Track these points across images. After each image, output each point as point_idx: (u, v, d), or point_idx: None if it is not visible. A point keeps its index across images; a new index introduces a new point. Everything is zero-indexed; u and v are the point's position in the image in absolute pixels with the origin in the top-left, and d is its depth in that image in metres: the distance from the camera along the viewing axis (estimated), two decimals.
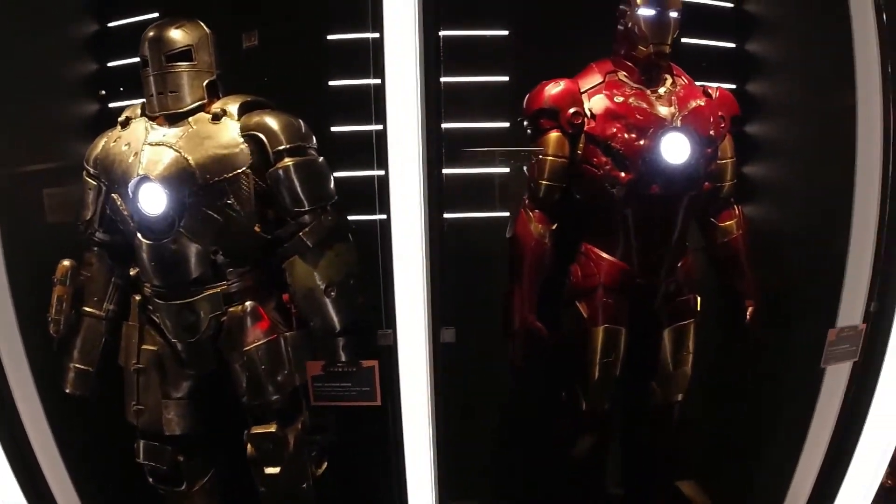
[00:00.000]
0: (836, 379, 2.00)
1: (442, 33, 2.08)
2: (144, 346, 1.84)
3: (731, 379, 2.43)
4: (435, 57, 1.39)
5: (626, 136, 1.81)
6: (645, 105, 1.83)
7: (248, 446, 1.84)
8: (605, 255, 1.94)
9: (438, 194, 1.39)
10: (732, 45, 2.36)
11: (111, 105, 2.18)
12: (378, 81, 1.41)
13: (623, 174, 1.82)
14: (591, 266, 1.95)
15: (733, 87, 2.33)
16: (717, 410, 2.52)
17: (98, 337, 1.87)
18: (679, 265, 1.98)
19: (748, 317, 2.04)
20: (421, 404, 1.48)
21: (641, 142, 1.79)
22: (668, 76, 1.91)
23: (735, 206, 2.08)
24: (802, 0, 2.15)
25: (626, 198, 1.85)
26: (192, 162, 1.68)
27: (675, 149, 1.79)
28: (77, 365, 1.85)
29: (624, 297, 1.94)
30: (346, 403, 1.63)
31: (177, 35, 1.71)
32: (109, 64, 2.20)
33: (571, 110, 1.83)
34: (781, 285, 2.17)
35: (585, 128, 1.84)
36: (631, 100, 1.83)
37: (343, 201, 1.79)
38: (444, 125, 2.08)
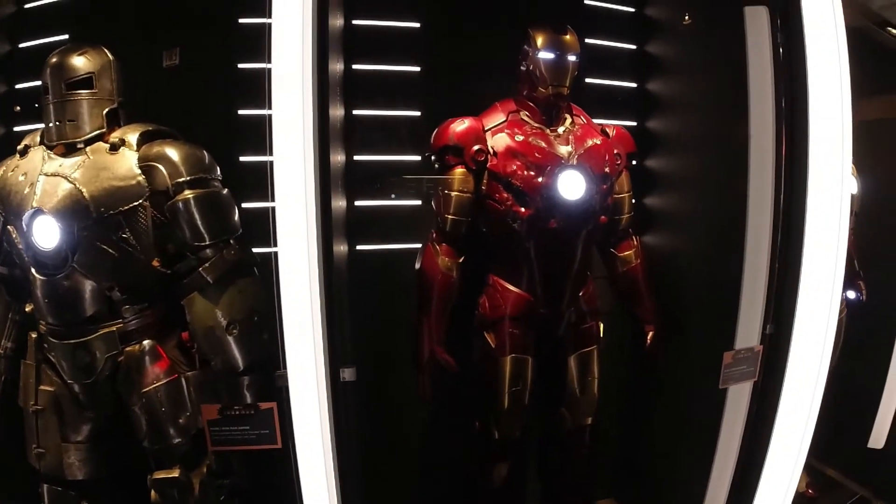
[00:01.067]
0: (738, 398, 2.00)
1: (354, 66, 2.13)
2: (42, 387, 1.69)
3: (642, 400, 2.48)
4: (323, 89, 1.36)
5: (525, 173, 1.82)
6: (544, 144, 1.85)
7: (152, 492, 1.69)
8: (510, 286, 1.93)
9: (328, 227, 1.36)
10: (634, 85, 2.42)
11: (17, 129, 2.06)
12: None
13: (523, 209, 1.83)
14: (498, 297, 1.94)
15: (634, 124, 2.39)
16: (630, 430, 2.55)
17: None
18: (581, 294, 1.99)
19: (648, 341, 2.06)
20: (315, 447, 1.37)
21: (540, 179, 1.81)
22: (567, 116, 1.93)
23: (633, 237, 2.11)
24: (700, 41, 2.21)
25: (527, 232, 1.85)
26: (85, 194, 1.57)
27: (571, 185, 1.82)
28: None
29: (529, 326, 1.93)
30: (246, 447, 1.51)
31: (79, 62, 1.62)
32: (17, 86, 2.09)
33: (475, 147, 1.84)
34: (684, 310, 2.20)
35: (488, 165, 1.84)
36: (531, 139, 1.85)
37: (252, 234, 1.69)
38: (357, 157, 2.08)
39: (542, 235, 1.86)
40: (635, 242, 2.12)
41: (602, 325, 2.08)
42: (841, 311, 2.47)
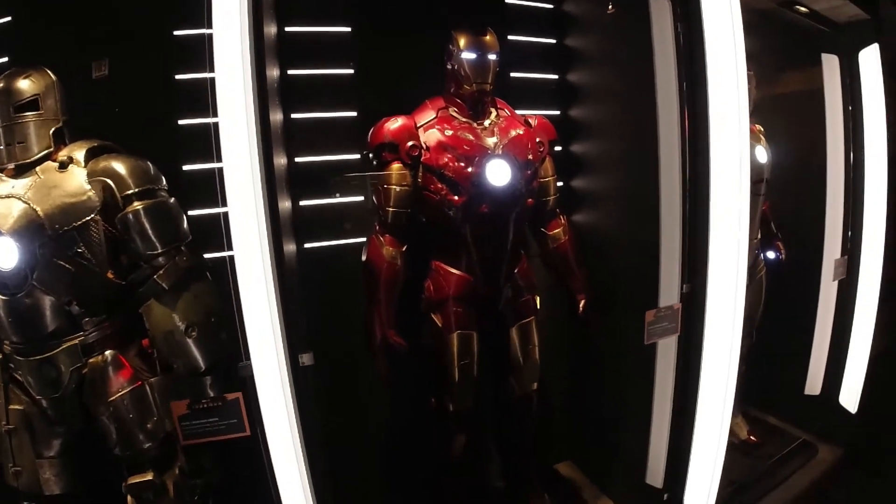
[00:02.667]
0: (666, 352, 2.23)
1: (290, 72, 2.21)
2: (12, 406, 1.72)
3: (584, 365, 2.68)
4: (262, 95, 1.43)
5: (456, 164, 1.96)
6: (471, 136, 1.99)
7: (128, 498, 1.75)
8: (452, 269, 2.08)
9: (277, 226, 1.44)
10: (556, 77, 2.61)
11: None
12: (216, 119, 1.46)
13: (456, 198, 1.97)
14: (441, 280, 2.08)
15: (557, 113, 2.59)
16: (578, 395, 2.75)
17: None
18: (516, 271, 2.16)
19: (580, 309, 2.25)
20: (283, 429, 1.48)
21: (469, 169, 1.95)
22: (493, 109, 2.08)
23: (561, 216, 2.29)
24: (614, 34, 2.38)
25: (462, 218, 2.00)
26: (40, 213, 1.62)
27: (499, 173, 1.97)
28: None
29: (471, 304, 2.08)
30: (216, 438, 1.59)
31: (24, 85, 1.66)
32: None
33: (409, 143, 1.97)
34: (612, 279, 2.40)
35: (422, 159, 1.98)
36: (459, 132, 1.99)
37: (200, 239, 1.77)
38: (297, 159, 2.17)
39: (476, 220, 2.01)
40: (563, 221, 2.30)
41: (539, 298, 2.24)
42: (759, 270, 2.76)
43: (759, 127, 2.77)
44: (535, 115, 2.23)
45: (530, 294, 2.21)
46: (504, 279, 2.13)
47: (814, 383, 3.04)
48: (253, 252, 1.40)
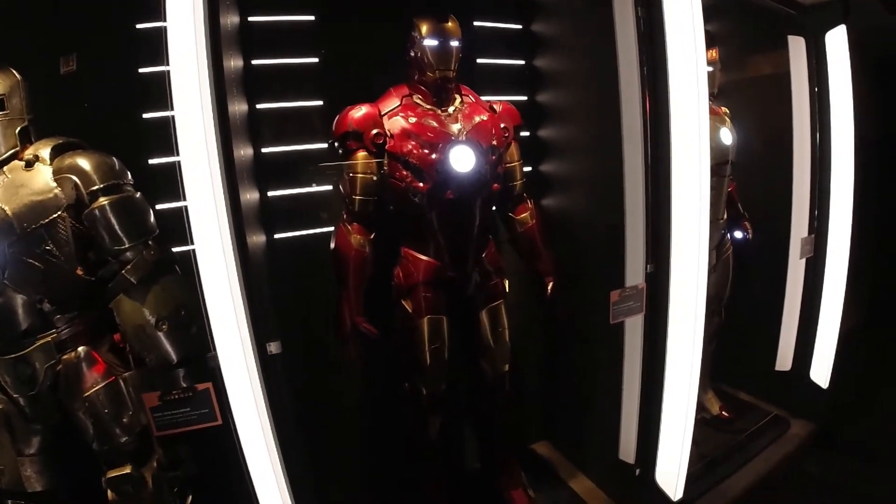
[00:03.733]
0: (634, 331, 2.29)
1: (254, 62, 2.21)
2: None
3: (555, 347, 2.74)
4: (219, 85, 1.45)
5: (420, 151, 1.98)
6: (435, 123, 2.01)
7: (108, 492, 1.79)
8: (420, 255, 2.11)
9: (239, 217, 1.47)
10: (522, 62, 2.64)
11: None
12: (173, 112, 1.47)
13: (421, 184, 1.99)
14: (410, 267, 2.11)
15: (524, 98, 2.63)
16: (551, 376, 2.82)
17: None
18: (484, 255, 2.19)
19: (548, 291, 2.29)
20: (252, 417, 1.54)
21: (433, 156, 1.97)
22: (457, 96, 2.10)
23: (528, 201, 2.33)
24: (580, 18, 2.42)
25: (428, 204, 2.02)
26: (8, 212, 1.64)
27: (463, 159, 2.00)
28: None
29: (440, 289, 2.12)
30: (189, 428, 1.62)
31: None
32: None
33: (373, 131, 1.98)
34: (579, 261, 2.45)
35: (386, 147, 2.00)
36: (423, 119, 2.01)
37: (167, 233, 1.78)
38: (264, 149, 2.19)
39: (442, 206, 2.04)
40: (530, 205, 2.34)
41: (507, 282, 2.28)
42: (726, 250, 2.83)
43: (724, 109, 2.82)
44: (500, 100, 2.25)
45: (499, 277, 2.25)
46: (472, 264, 2.17)
47: (784, 359, 3.11)
48: (213, 244, 1.43)
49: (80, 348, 1.79)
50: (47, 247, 1.70)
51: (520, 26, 2.63)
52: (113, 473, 1.79)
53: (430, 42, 1.98)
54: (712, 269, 2.80)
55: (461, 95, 2.13)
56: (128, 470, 1.79)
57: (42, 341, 1.75)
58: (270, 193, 2.23)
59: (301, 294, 2.17)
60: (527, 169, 2.66)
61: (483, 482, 2.46)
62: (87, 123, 1.92)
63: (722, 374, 3.18)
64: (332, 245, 2.07)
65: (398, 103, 2.05)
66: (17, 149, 1.73)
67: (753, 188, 3.05)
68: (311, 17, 2.25)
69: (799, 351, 3.07)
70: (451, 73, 2.01)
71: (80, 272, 1.77)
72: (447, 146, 1.99)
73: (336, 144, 2.05)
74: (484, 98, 2.30)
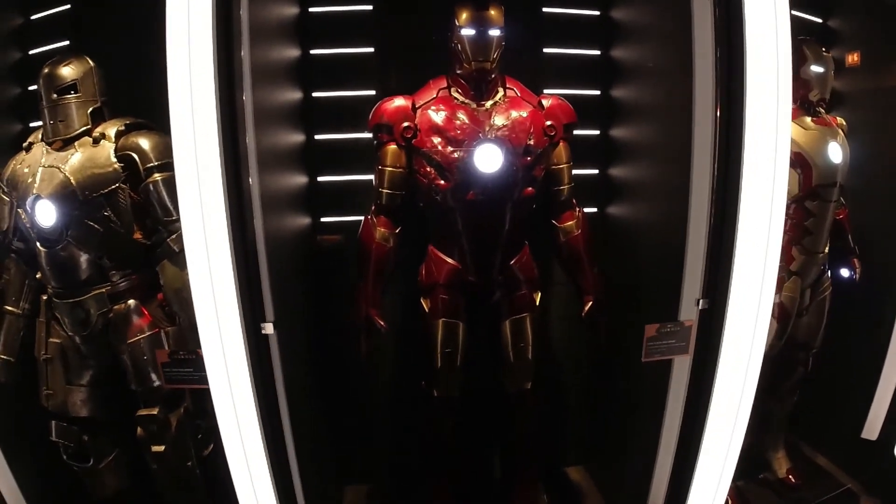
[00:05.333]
0: (681, 371, 2.00)
1: (312, 52, 2.27)
2: (51, 339, 2.07)
3: (599, 370, 2.49)
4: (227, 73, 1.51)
5: (445, 148, 1.90)
6: (466, 119, 1.91)
7: (138, 427, 2.04)
8: (443, 255, 2.05)
9: (239, 202, 1.54)
10: (598, 52, 2.39)
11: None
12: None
13: (443, 182, 1.91)
14: (433, 266, 2.06)
15: (597, 93, 2.39)
16: (592, 400, 2.58)
17: (17, 331, 2.10)
18: (513, 263, 2.06)
19: (584, 310, 2.10)
20: (247, 394, 1.64)
21: (457, 153, 1.89)
22: (500, 89, 1.98)
23: (576, 208, 2.13)
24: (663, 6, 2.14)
25: (451, 204, 1.94)
26: (73, 181, 1.90)
27: (489, 159, 1.88)
28: (1, 356, 2.09)
29: (460, 293, 2.04)
30: (192, 386, 1.75)
31: (65, 71, 1.93)
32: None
33: (404, 125, 1.93)
34: (631, 283, 2.20)
35: (413, 141, 1.94)
36: (453, 114, 1.92)
37: None
38: (317, 136, 2.28)
39: (466, 207, 1.95)
40: (578, 213, 2.14)
41: (539, 294, 2.12)
42: (824, 289, 2.36)
43: (840, 120, 2.31)
44: (554, 94, 2.07)
45: (528, 289, 2.11)
46: (498, 270, 2.05)
47: (872, 426, 2.57)
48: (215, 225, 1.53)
49: (131, 301, 2.05)
50: (106, 213, 1.96)
51: (597, 12, 2.37)
52: (143, 412, 2.04)
53: (467, 31, 1.87)
54: (803, 311, 2.39)
55: (505, 88, 1.99)
56: (155, 411, 2.03)
57: (97, 291, 2.02)
58: (321, 179, 2.31)
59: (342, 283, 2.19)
60: (592, 172, 2.45)
61: (502, 496, 2.37)
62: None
63: (804, 432, 2.73)
64: (358, 235, 2.08)
65: (434, 96, 1.98)
66: (89, 126, 1.99)
67: (870, 219, 2.47)
68: (369, 7, 2.25)
69: (891, 419, 2.52)
70: (488, 65, 1.89)
71: (138, 236, 2.03)
72: (473, 144, 1.89)
73: (371, 136, 2.04)
74: (550, 91, 2.13)
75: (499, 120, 1.93)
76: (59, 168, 1.94)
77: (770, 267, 1.80)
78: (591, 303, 2.11)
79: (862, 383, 2.57)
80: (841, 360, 2.57)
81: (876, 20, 2.43)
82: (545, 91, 2.23)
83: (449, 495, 2.26)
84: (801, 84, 2.23)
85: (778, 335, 2.35)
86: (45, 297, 2.10)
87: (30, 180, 1.96)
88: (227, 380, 1.65)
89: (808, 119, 2.25)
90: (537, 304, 2.13)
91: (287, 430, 1.83)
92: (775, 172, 1.74)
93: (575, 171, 2.19)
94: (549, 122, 1.99)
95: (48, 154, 1.98)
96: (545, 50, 2.34)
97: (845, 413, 2.65)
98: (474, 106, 1.95)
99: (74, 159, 1.94)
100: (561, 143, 2.05)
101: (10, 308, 2.13)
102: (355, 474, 2.57)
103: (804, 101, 2.25)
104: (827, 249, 2.34)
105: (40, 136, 2.03)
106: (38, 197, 1.93)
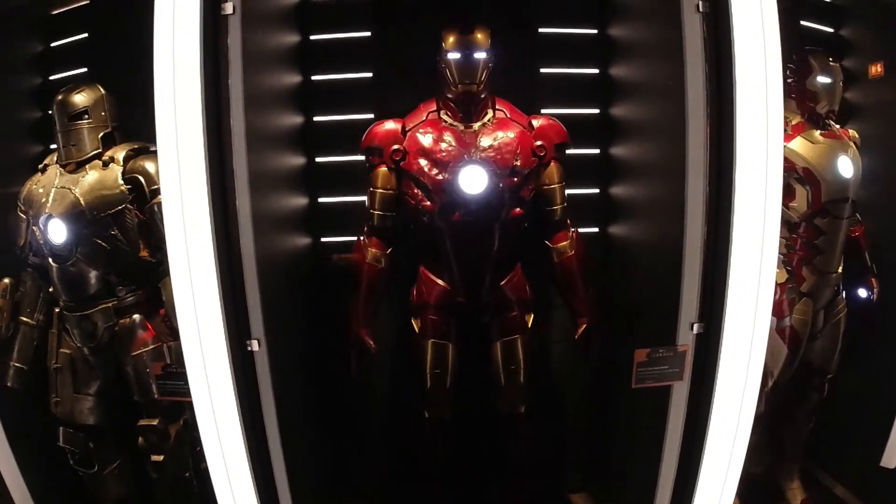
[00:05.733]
0: (680, 399, 1.94)
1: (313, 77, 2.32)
2: (61, 350, 2.18)
3: (599, 395, 2.42)
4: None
5: (431, 170, 1.92)
6: (452, 141, 1.93)
7: (139, 437, 2.12)
8: (433, 277, 2.06)
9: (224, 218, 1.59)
10: (597, 71, 2.35)
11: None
12: None
13: (429, 204, 1.93)
14: (423, 287, 2.07)
15: (596, 111, 2.36)
16: (595, 426, 2.51)
17: (31, 341, 2.22)
18: (504, 284, 2.05)
19: (578, 333, 2.06)
20: (230, 411, 1.68)
21: (441, 176, 1.90)
22: (489, 111, 1.98)
23: (570, 228, 2.10)
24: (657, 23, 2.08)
25: (437, 225, 1.95)
26: (82, 202, 2.02)
27: (473, 180, 1.88)
28: (15, 364, 2.20)
29: (449, 314, 2.03)
30: (183, 399, 1.77)
31: (76, 99, 2.05)
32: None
33: (393, 147, 1.96)
34: (633, 304, 2.12)
35: (401, 163, 1.96)
36: (440, 137, 1.94)
37: None
38: (318, 159, 2.34)
39: (453, 228, 1.95)
40: (571, 234, 2.11)
41: (532, 316, 2.10)
42: (839, 311, 2.25)
43: (852, 132, 2.21)
44: (546, 115, 2.07)
45: (520, 310, 2.08)
46: (487, 291, 2.04)
47: (891, 455, 2.39)
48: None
49: (136, 315, 2.14)
50: (113, 231, 2.06)
51: (594, 31, 2.35)
52: (143, 423, 2.11)
53: (453, 55, 1.89)
54: (817, 334, 2.28)
55: (494, 110, 2.00)
56: (156, 422, 2.10)
57: (104, 305, 2.12)
58: (321, 200, 2.38)
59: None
60: (592, 191, 2.41)
61: None
62: None
63: (820, 460, 2.60)
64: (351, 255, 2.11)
65: (423, 119, 2.00)
66: (100, 150, 2.10)
67: (889, 236, 2.34)
68: (368, 33, 2.30)
69: None
70: (475, 87, 1.90)
71: (144, 254, 2.12)
72: (458, 166, 1.90)
73: (364, 158, 2.08)
74: (548, 111, 2.12)
75: (485, 141, 1.93)
76: (70, 189, 2.06)
77: (764, 290, 1.73)
78: (584, 325, 2.06)
79: (880, 409, 2.41)
80: (858, 384, 2.43)
81: (890, 29, 2.33)
82: (542, 111, 2.22)
83: None
84: (808, 96, 2.16)
85: (789, 360, 2.25)
86: (56, 310, 2.22)
87: (43, 200, 2.09)
88: (209, 395, 1.68)
89: (817, 133, 2.16)
90: (529, 325, 2.10)
91: (276, 447, 1.85)
92: (767, 187, 1.67)
93: (574, 191, 2.17)
94: (538, 143, 1.99)
95: (61, 176, 2.10)
96: (542, 70, 2.34)
97: (863, 441, 2.49)
98: (461, 128, 1.96)
99: (85, 181, 2.06)
100: (552, 164, 2.04)
101: (25, 319, 2.25)
102: (351, 492, 2.56)
103: (812, 114, 2.17)
104: (841, 269, 2.22)
105: (55, 159, 2.16)
106: (50, 216, 2.05)
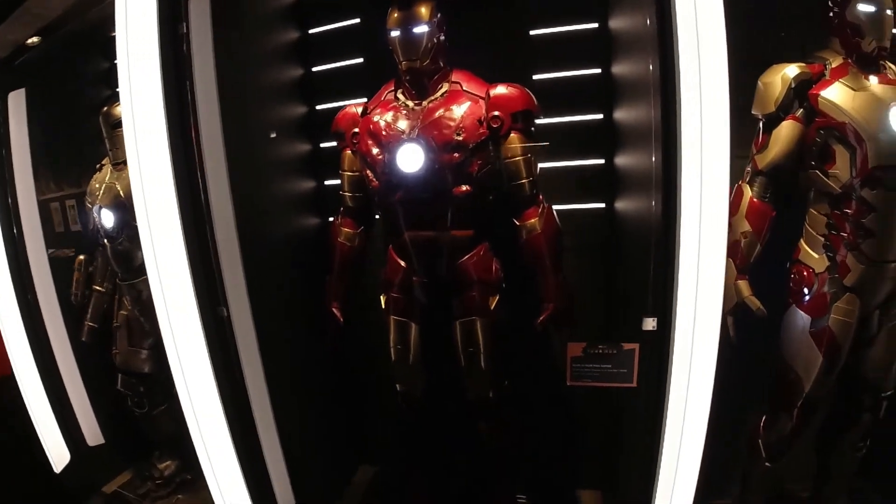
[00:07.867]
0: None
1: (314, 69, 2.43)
2: (120, 311, 2.63)
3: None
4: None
5: (374, 151, 1.91)
6: (394, 120, 1.89)
7: None
8: (395, 255, 2.05)
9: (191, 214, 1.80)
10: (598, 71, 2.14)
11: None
12: None
13: (376, 184, 1.92)
14: (388, 265, 2.06)
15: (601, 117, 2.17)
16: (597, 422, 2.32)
17: (101, 305, 2.70)
18: (463, 262, 1.95)
19: (540, 319, 1.89)
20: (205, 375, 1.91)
21: (381, 156, 1.88)
22: (444, 85, 1.91)
23: (542, 204, 1.92)
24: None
25: (384, 204, 1.94)
26: (123, 195, 2.41)
27: (409, 159, 1.83)
28: (89, 323, 2.70)
29: (411, 292, 2.01)
30: None
31: (117, 111, 2.41)
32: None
33: (353, 130, 1.99)
34: (613, 291, 1.98)
35: (358, 146, 1.98)
36: (385, 116, 1.91)
37: None
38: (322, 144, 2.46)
39: (397, 208, 1.92)
40: (542, 209, 1.92)
41: (497, 298, 1.98)
42: None
43: None
44: (511, 83, 1.90)
45: (481, 290, 1.97)
46: (445, 270, 1.97)
47: None
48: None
49: None
50: None
51: (595, 25, 2.12)
52: None
53: (394, 32, 1.83)
54: (869, 341, 1.87)
55: (450, 83, 1.92)
56: None
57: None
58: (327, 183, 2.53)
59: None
60: (599, 206, 2.24)
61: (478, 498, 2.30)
62: None
63: (876, 482, 2.16)
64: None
65: (382, 99, 1.99)
66: None
67: None
68: (356, 20, 2.35)
69: None
70: (419, 63, 1.83)
71: None
72: (395, 145, 1.86)
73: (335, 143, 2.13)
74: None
75: (425, 119, 1.86)
76: (115, 184, 2.48)
77: (715, 280, 1.47)
78: (549, 312, 1.90)
79: None
80: None
81: None
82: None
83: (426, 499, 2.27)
84: (851, 31, 1.75)
85: (825, 370, 1.85)
86: (117, 280, 2.67)
87: (98, 193, 2.54)
88: (179, 361, 1.90)
89: (864, 78, 1.73)
90: (492, 308, 1.97)
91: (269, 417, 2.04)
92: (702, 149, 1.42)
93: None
94: (495, 113, 1.85)
95: (111, 173, 2.54)
96: (535, 77, 2.20)
97: None
98: (411, 105, 1.92)
99: (125, 178, 2.39)
100: (512, 134, 1.87)
101: (97, 287, 2.75)
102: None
103: (858, 53, 1.75)
104: None
105: (109, 160, 2.58)
106: (101, 206, 2.50)
